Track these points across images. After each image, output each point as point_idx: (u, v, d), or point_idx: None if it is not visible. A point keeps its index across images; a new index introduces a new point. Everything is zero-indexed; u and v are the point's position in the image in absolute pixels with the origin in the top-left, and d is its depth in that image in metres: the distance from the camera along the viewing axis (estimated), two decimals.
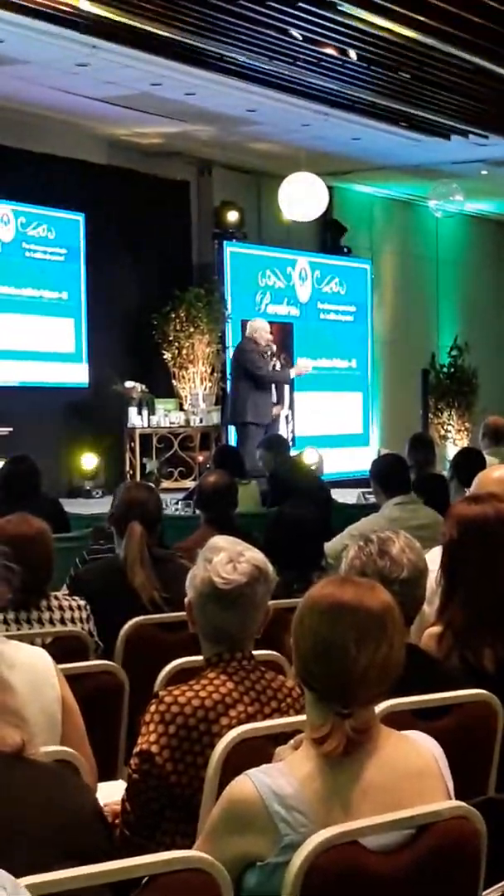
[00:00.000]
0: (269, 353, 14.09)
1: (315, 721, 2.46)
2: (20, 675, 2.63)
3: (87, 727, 3.24)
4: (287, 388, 15.87)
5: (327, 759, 2.41)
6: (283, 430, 15.61)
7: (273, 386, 14.23)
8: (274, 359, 14.19)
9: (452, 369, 17.95)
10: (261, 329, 14.10)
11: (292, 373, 14.45)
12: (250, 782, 2.39)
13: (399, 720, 2.77)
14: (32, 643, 3.51)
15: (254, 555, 3.16)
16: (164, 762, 2.95)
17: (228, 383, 14.52)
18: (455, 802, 2.46)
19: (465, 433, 17.52)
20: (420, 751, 2.51)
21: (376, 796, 2.41)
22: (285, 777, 2.39)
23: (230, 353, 14.65)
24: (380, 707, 2.62)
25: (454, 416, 17.77)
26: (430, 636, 3.59)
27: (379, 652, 2.45)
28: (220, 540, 3.21)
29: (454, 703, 3.20)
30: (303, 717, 2.61)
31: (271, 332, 14.92)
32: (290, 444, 9.07)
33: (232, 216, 15.78)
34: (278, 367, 14.22)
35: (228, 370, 14.47)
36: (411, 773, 2.47)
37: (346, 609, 2.48)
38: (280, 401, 15.15)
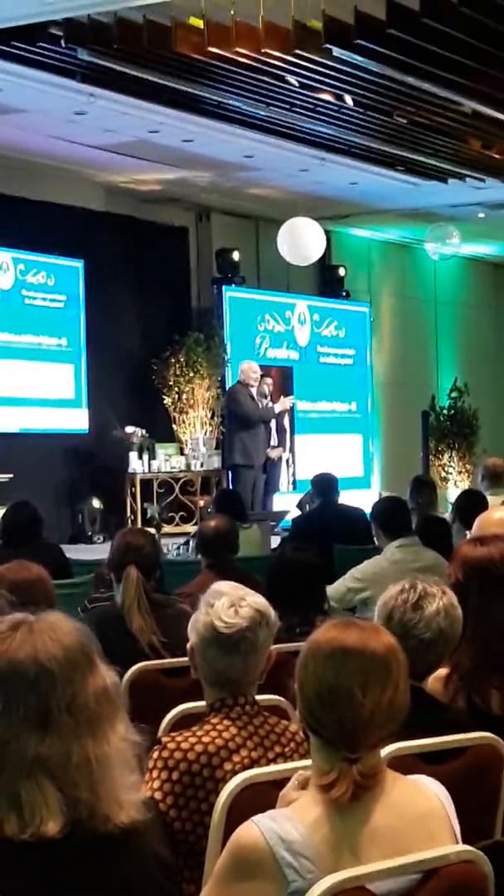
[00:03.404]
0: (264, 393, 14.14)
1: (322, 767, 2.44)
2: None
3: None
4: (287, 431, 15.90)
5: (334, 804, 2.39)
6: (284, 473, 15.63)
7: (271, 427, 14.27)
8: (266, 399, 14.21)
9: (452, 411, 17.97)
10: (247, 370, 14.17)
11: (277, 408, 14.46)
12: (256, 828, 2.36)
13: (405, 764, 2.76)
14: None
15: (255, 599, 3.16)
16: (167, 809, 2.93)
17: (226, 426, 14.57)
18: (462, 846, 2.44)
19: (466, 475, 17.51)
20: (427, 794, 2.49)
21: (384, 840, 2.39)
22: (292, 823, 2.37)
23: None
24: (385, 751, 2.60)
25: (455, 457, 17.78)
26: (437, 679, 3.57)
27: (385, 695, 2.44)
28: (222, 585, 3.21)
29: (460, 747, 3.18)
30: (307, 762, 2.59)
31: (270, 375, 15.01)
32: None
33: (231, 261, 15.83)
34: (269, 405, 14.25)
35: None
36: (418, 817, 2.45)
37: (351, 653, 2.47)
38: (281, 444, 15.19)
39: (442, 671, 3.63)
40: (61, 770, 2.05)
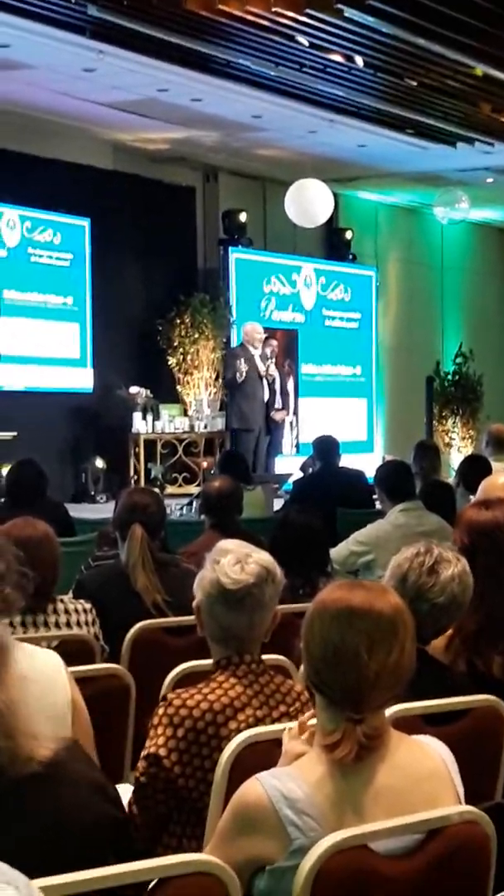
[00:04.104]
0: (267, 355, 14.08)
1: (326, 726, 2.45)
2: (33, 682, 2.62)
3: (93, 731, 3.22)
4: (291, 394, 15.88)
5: (338, 763, 2.40)
6: (287, 436, 15.62)
7: (275, 390, 14.23)
8: (269, 361, 14.15)
9: (457, 377, 17.93)
10: (251, 332, 14.13)
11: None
12: (260, 786, 2.38)
13: (408, 725, 2.76)
14: (38, 647, 3.49)
15: (262, 556, 3.16)
16: (171, 765, 2.94)
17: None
18: (465, 807, 2.45)
19: (470, 441, 17.50)
20: (430, 754, 2.50)
21: (387, 800, 2.40)
22: (295, 781, 2.38)
23: None
24: (389, 711, 2.60)
25: (458, 423, 17.76)
26: (440, 641, 3.58)
27: (391, 656, 2.44)
28: (228, 542, 3.20)
29: (463, 709, 3.19)
30: (313, 721, 2.59)
31: (275, 338, 14.96)
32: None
33: (237, 222, 15.78)
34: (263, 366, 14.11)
35: None
36: (422, 777, 2.46)
37: (357, 614, 2.46)
38: (284, 406, 15.17)
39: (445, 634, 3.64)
40: None
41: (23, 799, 2.09)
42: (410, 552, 3.39)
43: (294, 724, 2.68)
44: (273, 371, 14.18)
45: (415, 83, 11.97)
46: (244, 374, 13.74)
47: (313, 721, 2.55)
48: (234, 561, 3.11)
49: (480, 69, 11.31)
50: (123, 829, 2.30)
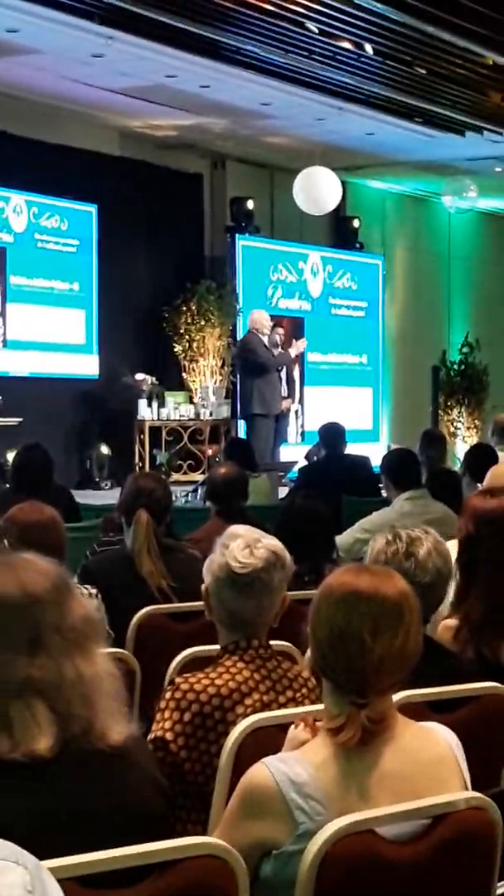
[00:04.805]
0: (275, 342, 14.10)
1: (331, 710, 2.45)
2: None
3: None
4: (297, 382, 15.87)
5: (343, 748, 2.40)
6: (293, 425, 15.62)
7: (282, 377, 14.22)
8: (278, 348, 14.17)
9: (463, 366, 17.90)
10: (259, 319, 14.12)
11: (292, 352, 14.41)
12: (266, 770, 2.38)
13: (414, 712, 2.76)
14: None
15: (271, 542, 3.16)
16: (178, 749, 2.94)
17: (238, 376, 14.55)
18: (471, 793, 2.45)
19: (475, 430, 17.48)
20: (437, 740, 2.50)
21: (393, 785, 2.40)
22: (301, 765, 2.38)
23: None
24: (395, 698, 2.60)
25: (464, 412, 17.73)
26: (446, 628, 3.58)
27: (396, 641, 2.44)
28: (238, 527, 3.21)
29: (469, 696, 3.19)
30: (319, 707, 2.59)
31: (282, 325, 14.95)
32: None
33: (245, 210, 15.76)
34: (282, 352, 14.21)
35: None
36: (428, 762, 2.45)
37: (363, 598, 2.46)
38: (290, 395, 15.16)
39: (450, 621, 3.63)
40: (53, 689, 2.13)
41: (85, 771, 2.14)
42: (381, 544, 3.37)
43: (301, 710, 2.68)
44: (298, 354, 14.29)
45: (424, 71, 11.95)
46: (266, 356, 13.79)
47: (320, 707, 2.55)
48: (244, 545, 3.11)
49: (490, 58, 11.28)
50: (169, 827, 2.35)
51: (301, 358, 16.05)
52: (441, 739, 2.50)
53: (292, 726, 2.61)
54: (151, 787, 2.26)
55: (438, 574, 3.33)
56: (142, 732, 2.35)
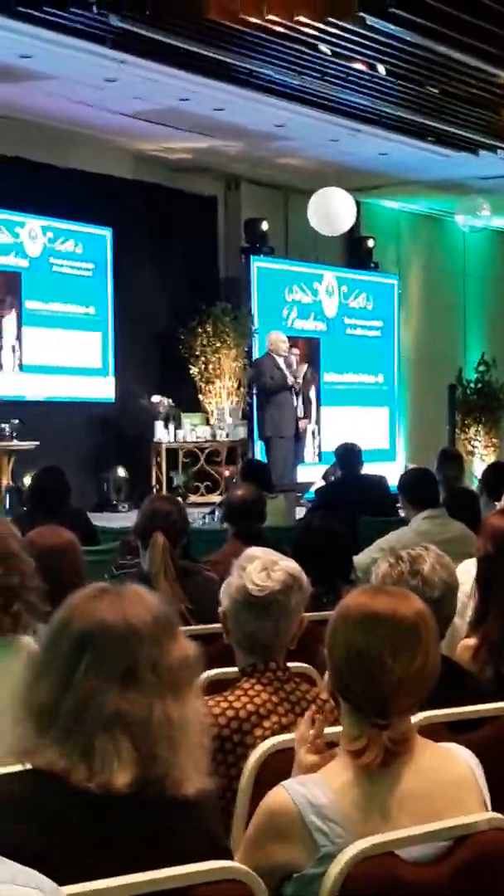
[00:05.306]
0: (291, 363, 14.08)
1: (351, 733, 2.44)
2: None
3: None
4: (313, 402, 15.87)
5: (364, 769, 2.39)
6: (310, 445, 15.61)
7: (298, 398, 14.21)
8: (293, 368, 14.14)
9: (479, 384, 17.89)
10: (276, 340, 14.15)
11: (299, 372, 14.29)
12: (286, 793, 2.37)
13: (433, 732, 2.75)
14: None
15: (288, 564, 3.15)
16: None
17: (254, 398, 14.56)
18: (493, 814, 2.43)
19: (493, 449, 17.46)
20: (456, 761, 2.49)
21: (413, 806, 2.39)
22: (321, 787, 2.37)
23: None
24: (414, 719, 2.59)
25: (481, 431, 17.71)
26: (465, 648, 3.57)
27: (415, 662, 2.43)
28: (255, 550, 3.20)
29: (489, 717, 3.17)
30: (337, 729, 2.58)
31: (297, 346, 14.95)
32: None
33: (259, 231, 15.79)
34: (291, 375, 14.11)
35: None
36: (448, 783, 2.44)
37: (381, 619, 2.46)
38: (307, 415, 15.15)
39: (469, 641, 3.62)
40: (141, 726, 2.11)
41: (154, 819, 2.12)
42: (384, 568, 3.34)
43: (303, 728, 2.67)
44: (300, 379, 14.21)
45: (437, 91, 11.97)
46: (280, 378, 13.78)
47: (336, 729, 2.54)
48: (261, 568, 3.11)
49: (503, 76, 11.29)
50: None
51: (317, 378, 16.05)
52: (461, 760, 2.49)
53: (301, 749, 2.60)
54: (210, 845, 2.22)
55: (446, 586, 3.31)
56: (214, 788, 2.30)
